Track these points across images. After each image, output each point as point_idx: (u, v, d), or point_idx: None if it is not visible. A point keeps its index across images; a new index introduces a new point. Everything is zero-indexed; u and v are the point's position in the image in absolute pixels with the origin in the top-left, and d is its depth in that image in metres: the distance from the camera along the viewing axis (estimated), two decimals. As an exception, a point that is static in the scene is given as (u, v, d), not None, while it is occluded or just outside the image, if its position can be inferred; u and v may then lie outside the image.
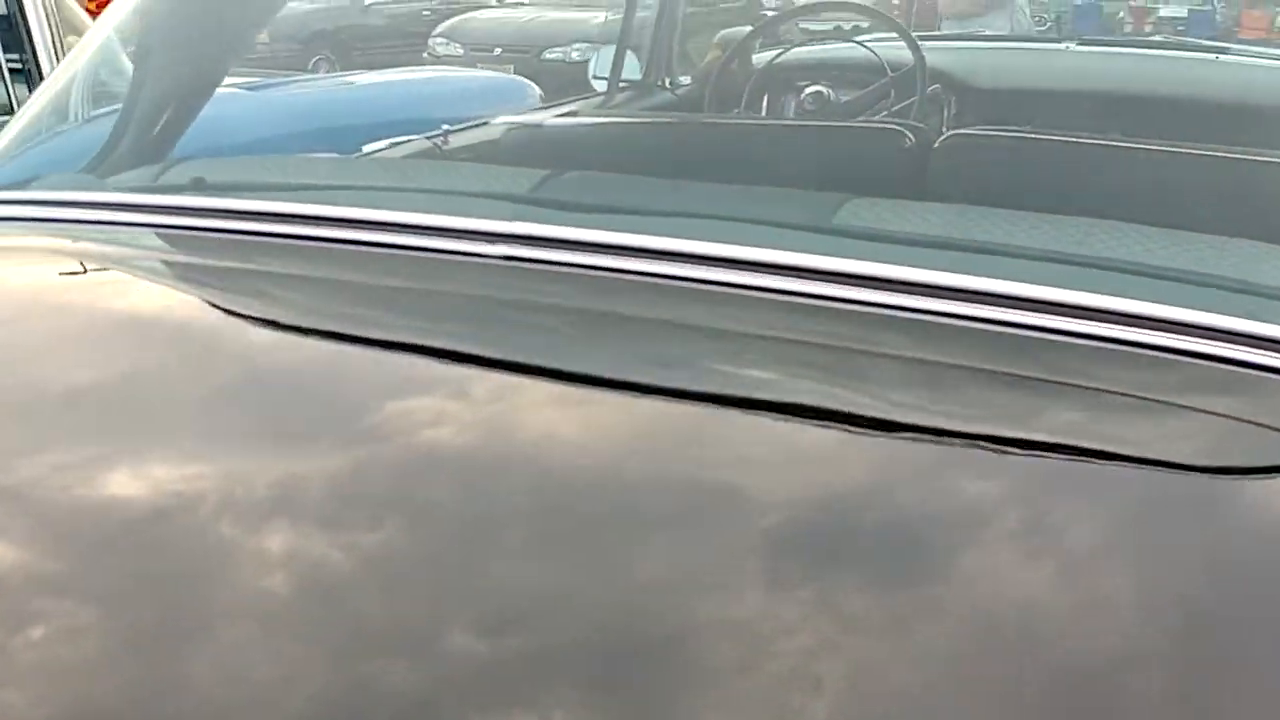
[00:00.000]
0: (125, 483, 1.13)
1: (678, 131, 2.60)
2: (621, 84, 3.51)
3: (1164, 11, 9.69)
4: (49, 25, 3.69)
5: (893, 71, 3.17)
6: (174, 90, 2.25)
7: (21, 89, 3.72)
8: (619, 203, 1.66)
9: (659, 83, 3.53)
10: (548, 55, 10.23)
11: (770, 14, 3.57)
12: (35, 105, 2.06)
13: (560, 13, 10.80)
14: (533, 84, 5.65)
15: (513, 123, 2.77)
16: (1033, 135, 2.34)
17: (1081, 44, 3.41)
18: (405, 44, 10.73)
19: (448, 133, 2.69)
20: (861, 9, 3.46)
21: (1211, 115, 2.77)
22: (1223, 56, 3.27)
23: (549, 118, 2.97)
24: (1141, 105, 2.98)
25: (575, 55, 10.49)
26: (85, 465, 1.15)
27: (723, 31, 3.67)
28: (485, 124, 2.91)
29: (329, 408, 1.25)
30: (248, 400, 1.28)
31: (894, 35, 3.27)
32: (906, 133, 2.40)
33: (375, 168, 2.19)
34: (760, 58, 3.46)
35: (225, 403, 1.26)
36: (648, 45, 3.53)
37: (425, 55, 10.43)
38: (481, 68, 7.35)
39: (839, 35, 3.39)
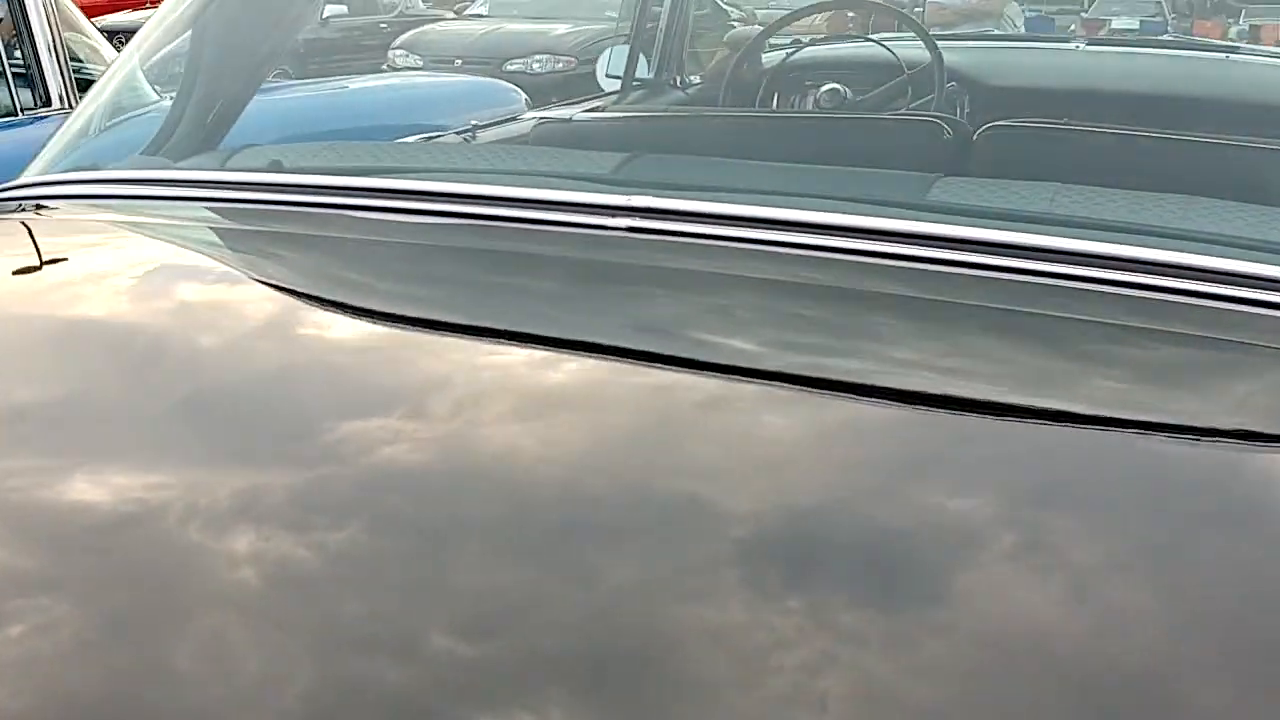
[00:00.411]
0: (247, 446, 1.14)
1: (739, 122, 2.64)
2: (634, 82, 3.54)
3: (1116, 24, 9.83)
4: (49, 24, 3.66)
5: (909, 69, 3.21)
6: (228, 80, 2.25)
7: (25, 93, 3.68)
8: (724, 181, 1.68)
9: (671, 81, 3.55)
10: (509, 67, 10.24)
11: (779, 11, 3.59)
12: (102, 92, 2.06)
13: (520, 24, 10.82)
14: (516, 88, 5.67)
15: (546, 117, 2.79)
16: (1068, 127, 2.40)
17: (1090, 44, 3.48)
18: (364, 57, 10.69)
19: (476, 128, 2.71)
20: (882, 7, 3.50)
21: (1216, 110, 2.84)
22: (1233, 56, 3.35)
23: (579, 112, 2.98)
24: (1146, 102, 3.05)
25: (536, 67, 10.49)
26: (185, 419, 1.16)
27: (731, 31, 3.71)
28: (514, 120, 2.93)
29: (477, 372, 1.26)
30: (398, 368, 1.28)
31: (909, 35, 3.32)
32: (944, 125, 2.46)
33: (462, 151, 2.20)
34: (771, 56, 3.49)
35: (380, 367, 1.27)
36: (658, 45, 3.55)
37: (384, 67, 10.41)
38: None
39: (851, 34, 3.44)
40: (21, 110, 3.58)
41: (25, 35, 3.59)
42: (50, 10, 3.67)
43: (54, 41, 3.65)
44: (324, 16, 11.30)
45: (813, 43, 3.47)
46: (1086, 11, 9.40)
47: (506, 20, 10.91)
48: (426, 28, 11.24)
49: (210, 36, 2.25)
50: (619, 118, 2.95)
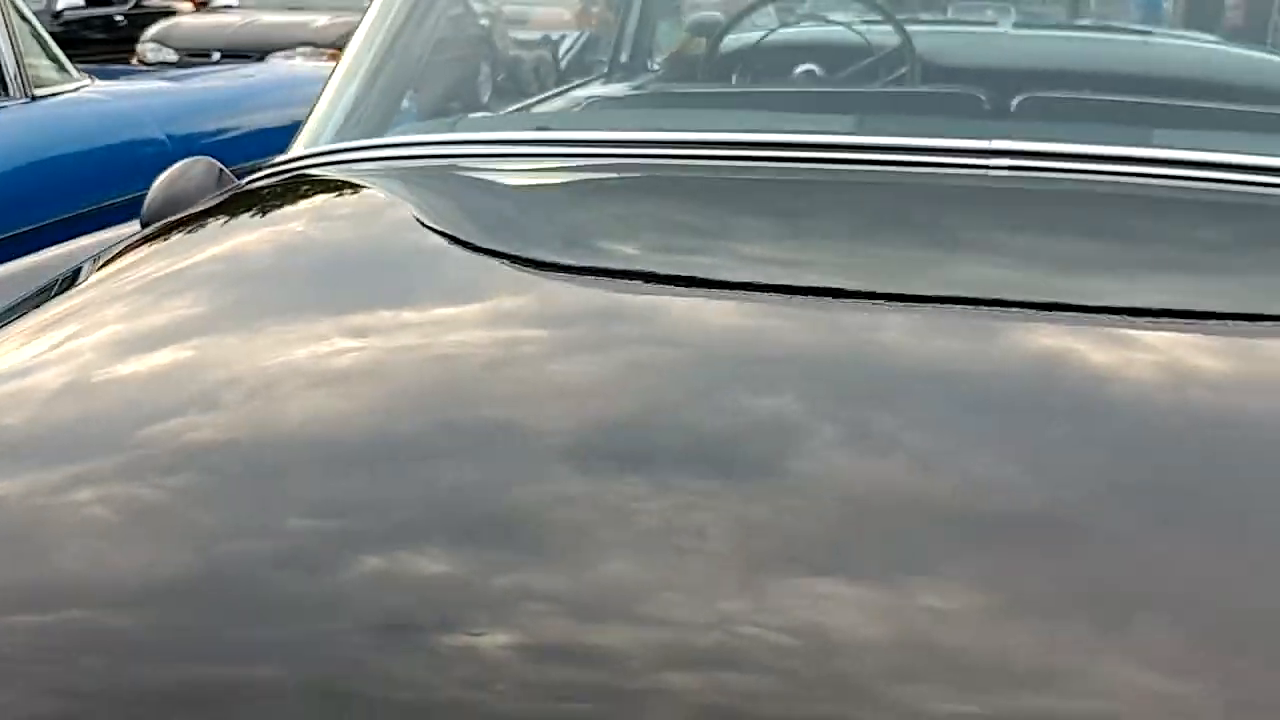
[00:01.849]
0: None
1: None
2: (604, 64, 3.71)
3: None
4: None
5: (877, 52, 3.49)
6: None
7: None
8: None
9: (645, 65, 3.75)
10: (271, 60, 10.10)
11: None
12: (374, 63, 2.15)
13: (277, 16, 10.67)
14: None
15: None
16: (1096, 97, 2.71)
17: (1016, 27, 3.82)
18: (108, 51, 10.34)
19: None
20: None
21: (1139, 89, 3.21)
22: (1149, 39, 3.74)
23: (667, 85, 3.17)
24: (1076, 80, 3.38)
25: (299, 59, 10.38)
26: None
27: (693, 16, 3.91)
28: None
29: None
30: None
31: (876, 18, 3.59)
32: (980, 95, 2.74)
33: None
34: (741, 39, 3.72)
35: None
36: (630, 31, 3.74)
37: (134, 62, 10.14)
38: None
39: (818, 17, 3.69)
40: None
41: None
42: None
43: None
44: (58, 9, 10.90)
45: (783, 26, 3.72)
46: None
47: (264, 12, 10.74)
48: (178, 20, 10.95)
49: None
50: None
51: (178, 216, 1.77)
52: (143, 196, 4.05)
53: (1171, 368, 1.30)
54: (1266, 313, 1.41)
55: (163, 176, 1.91)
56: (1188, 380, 1.27)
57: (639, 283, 1.46)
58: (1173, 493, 1.08)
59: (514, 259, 1.49)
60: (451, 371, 1.24)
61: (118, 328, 1.39)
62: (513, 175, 1.89)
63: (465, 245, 1.54)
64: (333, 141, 2.01)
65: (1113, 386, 1.24)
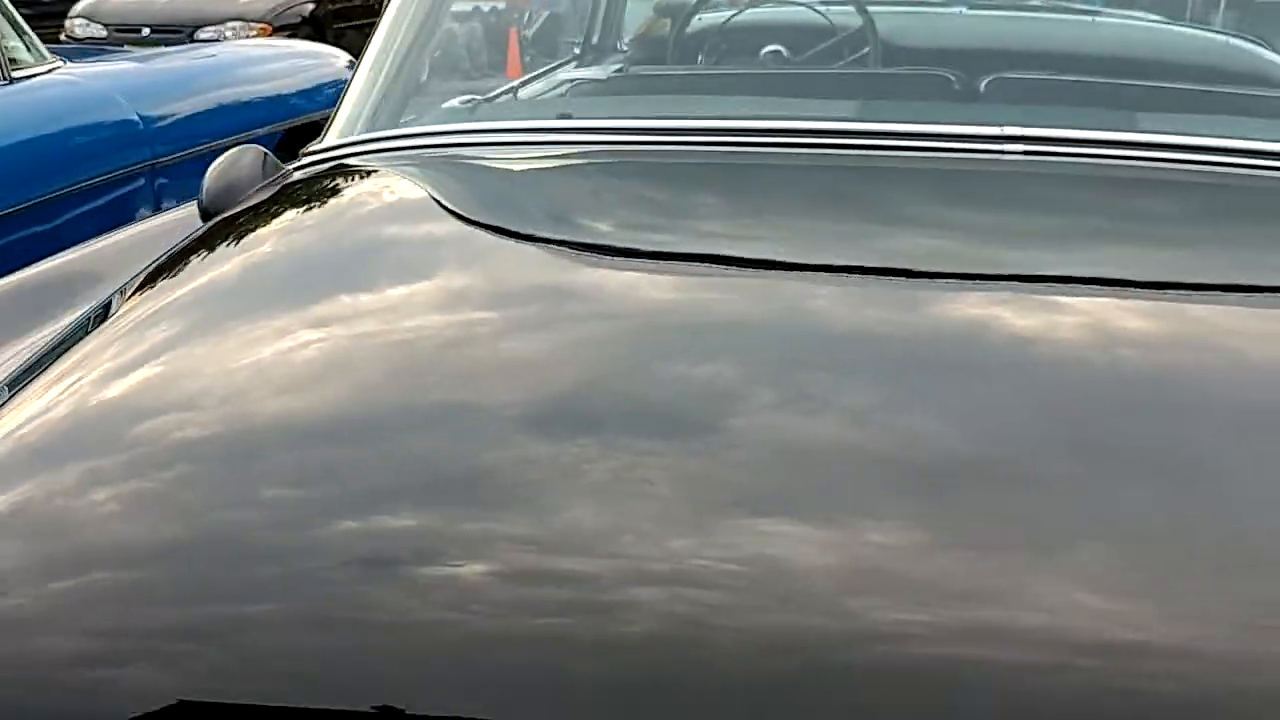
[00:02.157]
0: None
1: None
2: (577, 45, 3.82)
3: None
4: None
5: (840, 33, 3.62)
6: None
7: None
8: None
9: (614, 45, 3.87)
10: (201, 35, 10.08)
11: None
12: (390, 61, 2.29)
13: (208, -11, 10.61)
14: (337, 50, 5.82)
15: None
16: (1058, 77, 2.86)
17: (971, 8, 3.98)
18: (35, 26, 10.18)
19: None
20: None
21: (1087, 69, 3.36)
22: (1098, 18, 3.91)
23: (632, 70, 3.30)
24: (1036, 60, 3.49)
25: (229, 34, 10.36)
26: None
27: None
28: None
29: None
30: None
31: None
32: (949, 76, 2.89)
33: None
34: (710, 19, 3.83)
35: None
36: (601, 11, 3.86)
37: (63, 37, 10.05)
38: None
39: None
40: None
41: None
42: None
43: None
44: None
45: (750, 6, 3.85)
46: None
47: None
48: (102, -7, 10.84)
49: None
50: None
51: (240, 209, 1.89)
52: (120, 175, 4.12)
53: (1097, 329, 1.44)
54: (1194, 281, 1.59)
55: (216, 165, 2.02)
56: (1110, 340, 1.41)
57: (628, 258, 1.66)
58: (1095, 440, 1.20)
59: (529, 238, 1.71)
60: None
61: (223, 317, 1.51)
62: (521, 162, 2.05)
63: (493, 229, 1.75)
64: (364, 132, 2.15)
65: (1040, 347, 1.38)
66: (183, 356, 1.41)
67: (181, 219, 2.14)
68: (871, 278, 1.57)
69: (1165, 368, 1.38)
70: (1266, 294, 1.56)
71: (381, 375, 1.33)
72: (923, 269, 1.58)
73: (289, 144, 3.99)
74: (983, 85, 2.73)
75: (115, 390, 1.35)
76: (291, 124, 4.65)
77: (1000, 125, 1.97)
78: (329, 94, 4.96)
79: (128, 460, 1.22)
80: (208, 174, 2.02)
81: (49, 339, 1.68)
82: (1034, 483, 1.14)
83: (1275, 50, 3.05)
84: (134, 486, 1.19)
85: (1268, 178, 1.87)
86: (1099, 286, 1.54)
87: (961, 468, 1.16)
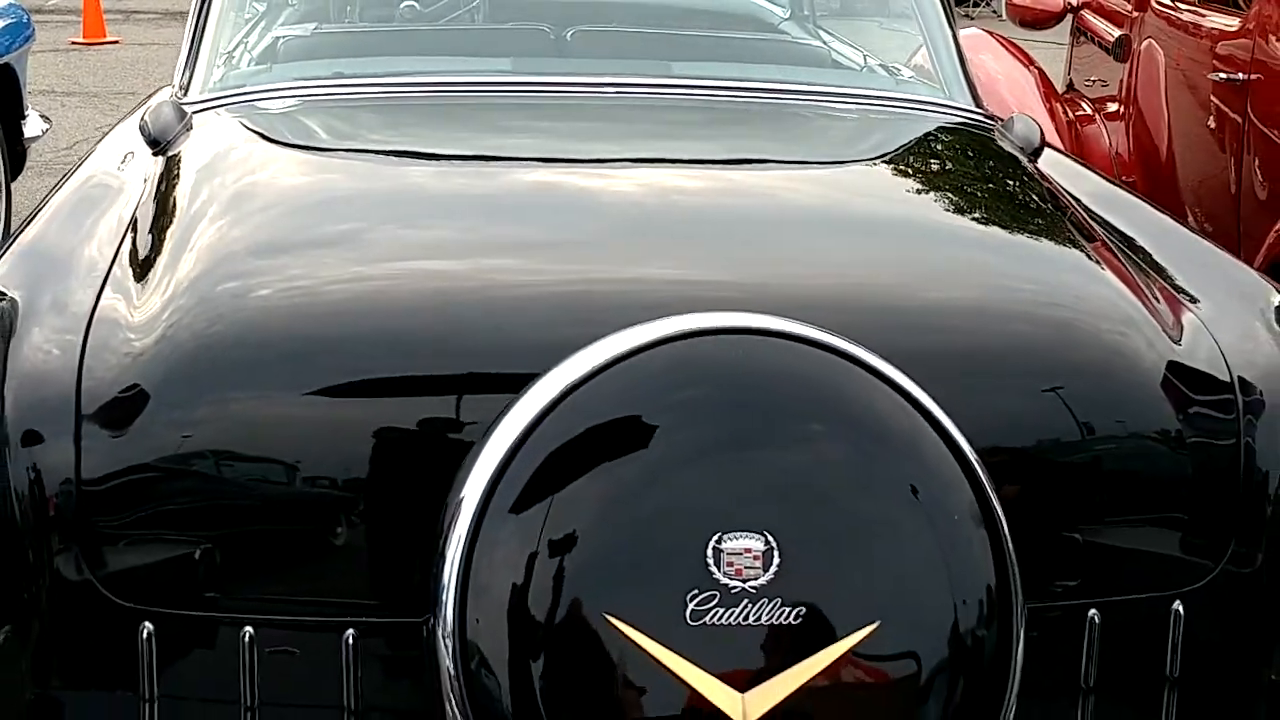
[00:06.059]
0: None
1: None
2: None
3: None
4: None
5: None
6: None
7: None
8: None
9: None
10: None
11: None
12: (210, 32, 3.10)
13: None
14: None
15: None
16: (629, 29, 3.50)
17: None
18: None
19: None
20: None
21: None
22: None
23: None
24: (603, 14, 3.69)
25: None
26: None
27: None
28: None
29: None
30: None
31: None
32: (545, 29, 3.46)
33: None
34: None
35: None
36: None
37: None
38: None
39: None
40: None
41: None
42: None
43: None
44: None
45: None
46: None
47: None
48: None
49: None
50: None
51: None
52: None
53: (663, 177, 2.66)
54: (712, 158, 2.80)
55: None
56: (677, 177, 2.66)
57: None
58: (687, 215, 2.41)
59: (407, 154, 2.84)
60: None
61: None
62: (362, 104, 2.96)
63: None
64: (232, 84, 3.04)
65: (651, 184, 2.58)
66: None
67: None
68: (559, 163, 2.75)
69: (703, 191, 2.60)
70: (747, 163, 2.82)
71: (439, 205, 2.47)
72: (570, 157, 2.79)
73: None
74: (569, 35, 3.36)
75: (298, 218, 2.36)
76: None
77: (584, 75, 2.99)
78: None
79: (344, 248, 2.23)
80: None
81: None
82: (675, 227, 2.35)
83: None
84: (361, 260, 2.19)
85: (751, 99, 3.00)
86: (660, 162, 2.78)
87: (633, 228, 2.34)
